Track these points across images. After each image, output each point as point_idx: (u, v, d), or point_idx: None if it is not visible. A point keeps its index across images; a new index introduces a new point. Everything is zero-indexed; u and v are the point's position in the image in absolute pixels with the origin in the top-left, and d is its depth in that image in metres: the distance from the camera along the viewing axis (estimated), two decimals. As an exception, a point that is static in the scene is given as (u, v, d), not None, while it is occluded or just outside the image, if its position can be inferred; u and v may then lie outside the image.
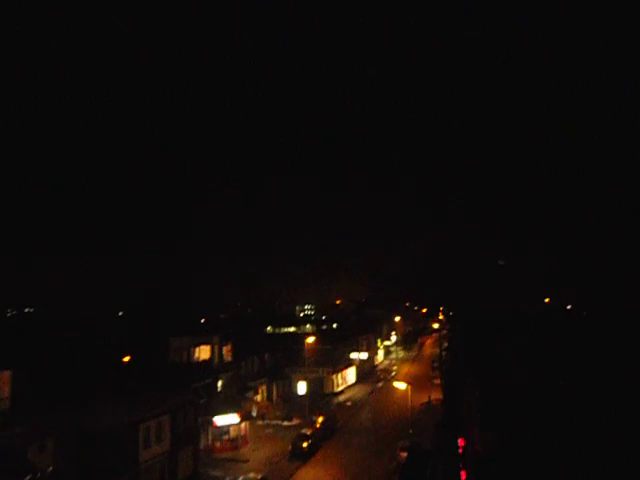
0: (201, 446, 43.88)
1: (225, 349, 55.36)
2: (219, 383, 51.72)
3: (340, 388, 74.96)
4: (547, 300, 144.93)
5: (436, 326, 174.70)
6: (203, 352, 52.97)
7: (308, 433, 46.99)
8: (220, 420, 46.62)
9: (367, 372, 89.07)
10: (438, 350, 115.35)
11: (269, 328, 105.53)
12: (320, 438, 48.17)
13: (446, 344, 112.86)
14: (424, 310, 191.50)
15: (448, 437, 37.76)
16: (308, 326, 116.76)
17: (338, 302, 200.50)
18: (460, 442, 35.38)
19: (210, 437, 46.97)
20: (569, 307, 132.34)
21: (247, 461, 43.62)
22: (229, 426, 47.30)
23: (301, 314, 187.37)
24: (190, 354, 51.95)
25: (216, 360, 53.14)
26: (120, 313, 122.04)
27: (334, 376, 73.54)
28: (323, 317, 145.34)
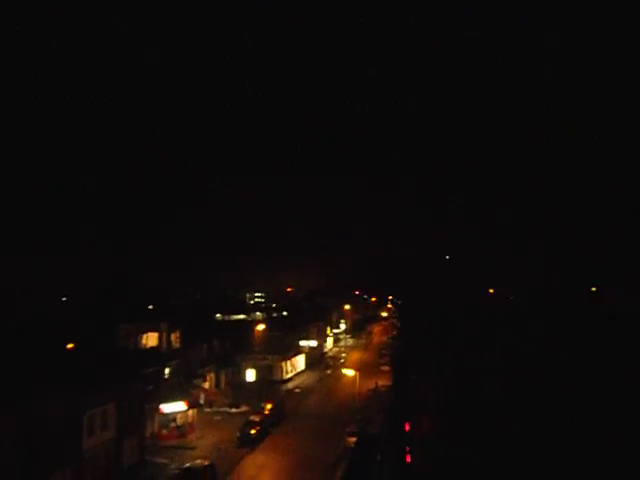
0: (147, 434, 43.31)
1: (174, 336, 54.63)
2: (167, 370, 51.07)
3: (289, 375, 75.35)
4: (491, 290, 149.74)
5: (385, 315, 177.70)
6: (151, 339, 52.16)
7: (256, 420, 47.04)
8: (167, 408, 46.07)
9: (316, 359, 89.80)
10: (386, 338, 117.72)
11: (219, 315, 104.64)
12: (268, 425, 48.34)
13: (394, 332, 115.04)
14: (374, 299, 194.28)
15: (396, 422, 38.70)
16: (258, 314, 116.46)
17: (289, 290, 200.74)
18: (407, 427, 36.32)
19: (156, 425, 46.39)
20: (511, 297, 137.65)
21: (194, 448, 43.37)
22: (176, 413, 46.85)
23: (252, 302, 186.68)
24: (138, 341, 51.06)
25: (164, 347, 52.41)
26: (64, 299, 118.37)
27: (283, 363, 73.82)
28: (274, 305, 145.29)
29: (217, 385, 63.65)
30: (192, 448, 43.37)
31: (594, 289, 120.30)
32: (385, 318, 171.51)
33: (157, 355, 50.42)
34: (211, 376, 62.30)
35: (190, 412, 48.05)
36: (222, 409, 55.37)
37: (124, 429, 37.77)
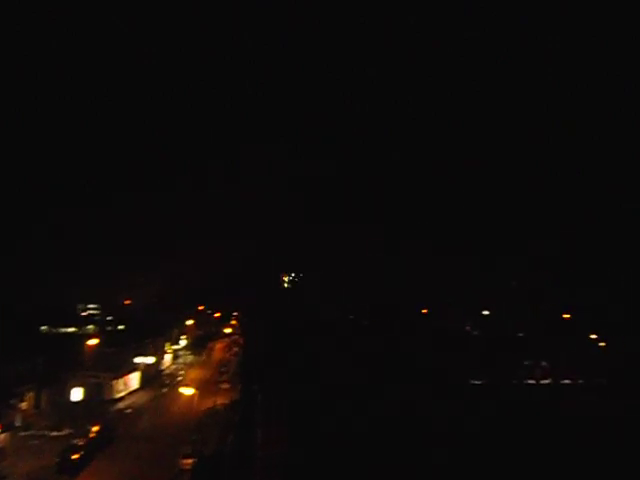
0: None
1: (-13, 351, 48.52)
2: (-24, 390, 45.07)
3: (121, 394, 70.66)
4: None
5: (228, 331, 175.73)
6: (-42, 354, 45.74)
7: (80, 444, 43.34)
8: (-27, 432, 40.55)
9: (152, 377, 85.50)
10: (228, 355, 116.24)
11: (44, 327, 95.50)
12: (94, 448, 44.72)
13: (236, 349, 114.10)
14: (217, 314, 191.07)
15: (244, 440, 37.96)
16: (91, 327, 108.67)
17: (127, 302, 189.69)
18: (254, 444, 35.74)
19: (-42, 452, 40.55)
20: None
21: (4, 478, 38.58)
22: (-16, 439, 41.42)
23: (84, 313, 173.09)
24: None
25: (-26, 363, 46.25)
26: None
27: (115, 382, 69.07)
28: (109, 318, 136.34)
29: (37, 405, 57.59)
30: (2, 478, 38.56)
31: (425, 311, 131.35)
32: (229, 334, 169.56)
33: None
34: (30, 395, 56.27)
35: (2, 436, 42.85)
36: (41, 432, 50.12)
37: None
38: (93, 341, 63.56)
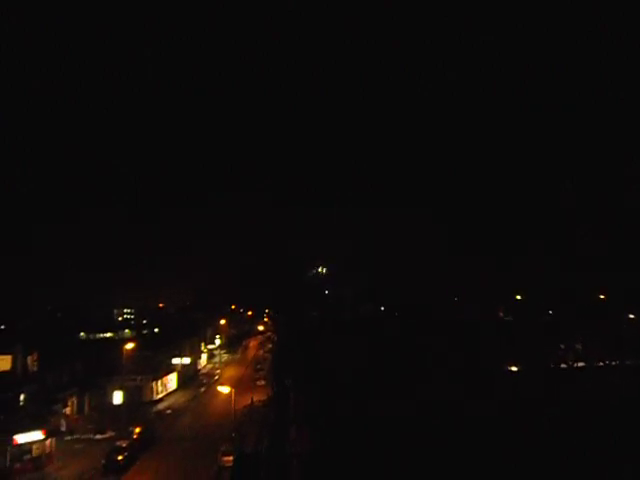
0: (-3, 469, 39.10)
1: (30, 359, 50.10)
2: (22, 397, 46.59)
3: (160, 395, 72.21)
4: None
5: (261, 328, 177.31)
6: (3, 362, 47.34)
7: (124, 445, 44.55)
8: (22, 438, 41.95)
9: (190, 377, 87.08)
10: (262, 352, 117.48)
11: (82, 334, 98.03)
12: (137, 449, 45.90)
13: (270, 346, 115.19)
14: (250, 313, 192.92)
15: (279, 437, 38.40)
16: (127, 331, 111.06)
17: (161, 306, 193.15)
18: (290, 441, 36.13)
19: (9, 458, 41.97)
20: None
21: (53, 481, 39.94)
22: (32, 444, 42.79)
23: (120, 318, 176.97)
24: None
25: (19, 371, 47.81)
26: None
27: (154, 383, 70.61)
28: (144, 321, 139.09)
29: (80, 410, 59.29)
30: (51, 481, 39.92)
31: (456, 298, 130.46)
32: (262, 332, 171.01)
33: (10, 380, 45.86)
34: (73, 400, 57.97)
35: (48, 441, 44.17)
36: (85, 436, 51.59)
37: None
38: (130, 345, 65.04)
